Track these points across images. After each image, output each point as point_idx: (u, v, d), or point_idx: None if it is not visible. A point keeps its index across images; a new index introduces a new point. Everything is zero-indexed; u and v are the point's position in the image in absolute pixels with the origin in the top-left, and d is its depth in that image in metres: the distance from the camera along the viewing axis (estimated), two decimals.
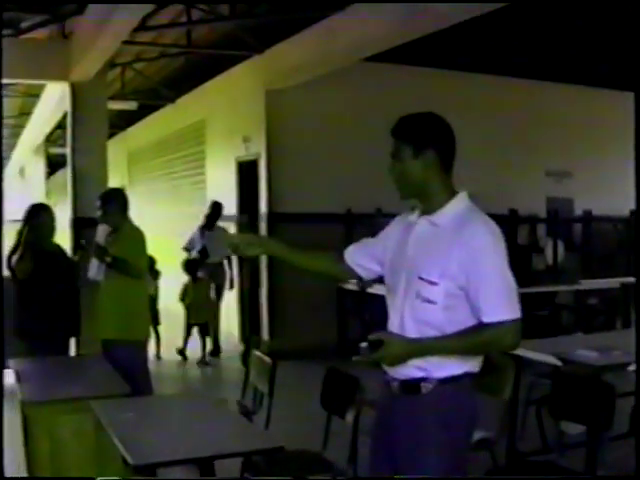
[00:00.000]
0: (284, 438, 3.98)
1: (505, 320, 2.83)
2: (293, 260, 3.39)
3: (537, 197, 12.42)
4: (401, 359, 2.93)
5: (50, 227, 6.65)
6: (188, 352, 10.56)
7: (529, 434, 5.89)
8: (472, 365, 2.97)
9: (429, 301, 2.89)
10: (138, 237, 6.12)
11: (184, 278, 10.64)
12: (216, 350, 10.78)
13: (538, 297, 10.08)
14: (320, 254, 3.45)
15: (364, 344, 2.92)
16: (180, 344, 10.58)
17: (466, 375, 2.95)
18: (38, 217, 6.62)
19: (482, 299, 2.84)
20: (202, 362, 10.30)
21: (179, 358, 10.52)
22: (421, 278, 2.91)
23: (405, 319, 2.98)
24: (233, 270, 11.17)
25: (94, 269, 6.10)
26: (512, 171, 12.05)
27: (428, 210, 3.02)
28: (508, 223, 10.31)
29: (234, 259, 11.20)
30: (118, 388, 4.66)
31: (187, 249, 10.89)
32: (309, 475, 4.44)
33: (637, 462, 3.77)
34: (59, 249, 6.87)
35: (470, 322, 2.88)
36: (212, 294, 10.68)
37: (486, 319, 2.84)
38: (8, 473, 5.81)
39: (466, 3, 6.66)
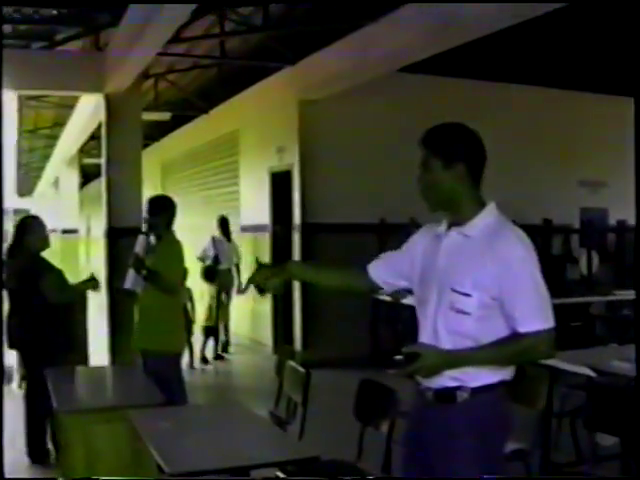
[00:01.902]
0: (318, 448, 3.99)
1: (540, 330, 2.83)
2: (315, 280, 3.50)
3: (571, 207, 12.35)
4: (437, 371, 2.93)
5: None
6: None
7: (563, 445, 5.86)
8: (506, 373, 2.97)
9: (463, 312, 2.89)
10: (176, 252, 6.08)
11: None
12: (226, 346, 11.90)
13: (572, 308, 10.01)
14: (343, 271, 3.46)
15: (399, 357, 2.92)
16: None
17: (501, 383, 2.95)
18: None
19: (517, 309, 2.84)
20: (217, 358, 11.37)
21: (214, 369, 10.62)
22: (454, 290, 2.92)
23: (439, 330, 2.98)
24: (241, 276, 11.68)
25: (131, 279, 6.11)
26: (546, 181, 11.99)
27: (457, 221, 3.02)
28: (542, 233, 10.27)
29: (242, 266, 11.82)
30: (154, 397, 4.69)
31: (201, 259, 11.48)
32: None
33: (636, 461, 3.75)
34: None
35: (503, 332, 2.89)
36: (224, 298, 11.51)
37: (522, 329, 2.84)
38: None
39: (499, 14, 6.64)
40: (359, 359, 9.62)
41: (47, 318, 6.35)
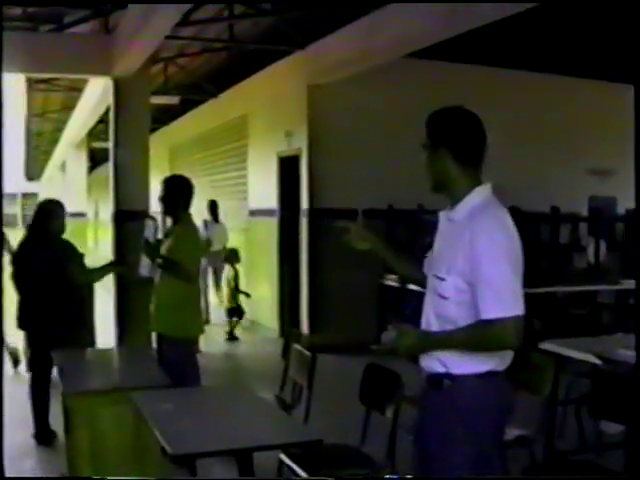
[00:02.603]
0: (322, 432, 3.99)
1: (502, 317, 2.81)
2: (392, 264, 3.49)
3: (580, 195, 12.30)
4: (414, 350, 3.02)
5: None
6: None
7: (568, 433, 5.87)
8: (495, 364, 2.97)
9: (442, 297, 2.96)
10: (193, 237, 5.99)
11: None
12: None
13: (579, 296, 10.00)
14: (412, 265, 3.47)
15: (384, 334, 3.06)
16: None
17: (490, 373, 2.95)
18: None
19: (480, 296, 2.85)
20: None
21: (220, 352, 10.64)
22: (434, 275, 3.01)
23: (430, 315, 3.06)
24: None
25: (145, 266, 5.96)
26: (555, 169, 11.94)
27: (451, 205, 3.07)
28: (549, 221, 10.23)
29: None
30: (158, 379, 4.70)
31: None
32: (347, 469, 4.45)
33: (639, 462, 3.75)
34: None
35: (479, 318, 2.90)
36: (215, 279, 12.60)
37: (483, 316, 2.84)
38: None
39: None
40: (366, 344, 9.59)
41: (68, 302, 6.54)
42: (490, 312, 2.81)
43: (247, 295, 11.99)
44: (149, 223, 5.99)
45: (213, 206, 12.86)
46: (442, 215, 3.12)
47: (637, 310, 3.80)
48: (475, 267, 2.83)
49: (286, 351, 5.83)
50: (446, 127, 3.03)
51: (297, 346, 5.53)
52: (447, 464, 2.95)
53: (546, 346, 5.44)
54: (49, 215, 6.74)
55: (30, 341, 7.11)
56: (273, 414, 4.03)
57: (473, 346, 2.92)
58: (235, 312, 11.81)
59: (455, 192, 3.03)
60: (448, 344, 2.95)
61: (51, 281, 6.48)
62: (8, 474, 5.87)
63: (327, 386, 7.26)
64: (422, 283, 3.23)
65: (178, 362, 5.67)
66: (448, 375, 2.96)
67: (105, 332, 9.58)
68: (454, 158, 3.00)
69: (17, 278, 6.60)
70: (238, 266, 11.83)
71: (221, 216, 13.23)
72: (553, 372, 4.60)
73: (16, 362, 9.23)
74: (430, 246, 3.25)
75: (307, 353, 5.27)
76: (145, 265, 5.94)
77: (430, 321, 3.04)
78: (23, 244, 6.71)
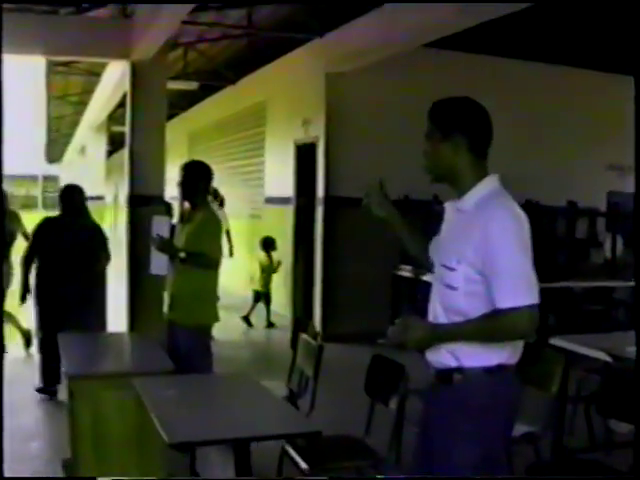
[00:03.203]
0: (328, 423, 3.95)
1: (518, 306, 2.78)
2: (405, 241, 3.44)
3: (599, 190, 12.19)
4: (424, 343, 2.95)
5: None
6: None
7: (578, 431, 5.79)
8: (506, 357, 2.93)
9: (451, 287, 2.91)
10: (215, 224, 5.85)
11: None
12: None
13: (595, 292, 9.91)
14: (422, 247, 3.39)
15: (391, 327, 2.95)
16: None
17: (500, 367, 2.91)
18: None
19: (495, 285, 2.81)
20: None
21: (232, 338, 10.64)
22: (443, 265, 2.96)
23: (437, 307, 3.01)
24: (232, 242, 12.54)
25: (158, 263, 5.73)
26: (574, 163, 11.82)
27: (458, 195, 3.04)
28: (566, 216, 10.14)
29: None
30: (161, 365, 4.67)
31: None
32: (349, 461, 4.42)
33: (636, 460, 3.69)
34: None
35: (491, 308, 2.86)
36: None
37: (499, 305, 2.81)
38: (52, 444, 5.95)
39: None
40: (378, 335, 9.56)
41: (85, 282, 7.10)
42: (506, 301, 2.78)
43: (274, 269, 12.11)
44: (160, 219, 5.84)
45: (215, 192, 12.78)
46: (449, 205, 3.10)
47: (637, 307, 3.74)
48: (488, 257, 2.80)
49: (295, 341, 5.79)
50: (463, 116, 2.99)
51: (304, 336, 5.49)
52: (454, 460, 2.91)
53: (557, 342, 5.38)
54: (83, 198, 7.38)
55: (41, 319, 7.36)
56: (275, 404, 3.99)
57: (488, 336, 2.89)
58: (263, 297, 12.00)
59: (462, 182, 3.00)
60: (461, 335, 2.89)
61: (74, 260, 6.95)
62: (16, 452, 5.93)
63: (335, 376, 7.24)
64: (430, 267, 3.23)
65: (193, 350, 5.64)
66: (459, 369, 2.91)
67: (118, 317, 9.60)
68: (469, 148, 2.97)
69: (40, 253, 7.14)
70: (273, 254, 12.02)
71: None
72: (562, 368, 4.54)
73: (28, 343, 9.26)
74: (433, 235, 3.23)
75: (314, 342, 5.24)
76: (161, 264, 5.70)
77: (437, 312, 2.99)
78: (50, 222, 7.33)
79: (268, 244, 11.96)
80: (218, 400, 4.01)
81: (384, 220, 3.41)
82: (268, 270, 11.98)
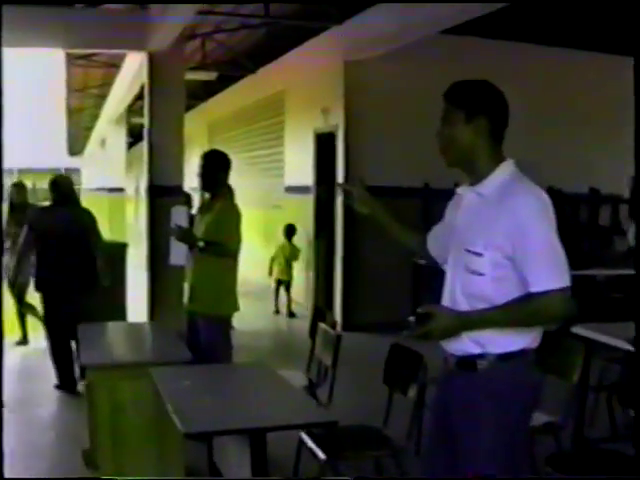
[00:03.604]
0: (346, 412, 3.93)
1: (552, 289, 2.75)
2: (392, 231, 3.40)
3: (622, 177, 12.03)
4: (450, 333, 2.88)
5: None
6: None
7: (599, 421, 5.73)
8: (529, 341, 2.89)
9: (477, 273, 2.85)
10: (234, 214, 5.81)
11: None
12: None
13: (618, 280, 9.80)
14: (415, 236, 3.41)
15: (413, 318, 2.88)
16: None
17: (523, 352, 2.88)
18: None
19: (528, 268, 2.77)
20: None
21: (251, 328, 10.65)
22: (467, 250, 2.87)
23: (456, 293, 2.94)
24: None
25: (177, 253, 5.72)
26: (595, 149, 11.68)
27: (474, 180, 2.98)
28: (588, 202, 10.04)
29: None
30: (179, 355, 4.66)
31: None
32: (368, 450, 4.39)
33: (636, 461, 3.64)
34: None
35: (519, 293, 2.82)
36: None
37: (533, 289, 2.77)
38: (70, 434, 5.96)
39: None
40: (399, 324, 9.53)
41: (83, 265, 7.30)
42: (539, 285, 2.75)
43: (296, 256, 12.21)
44: (179, 209, 5.84)
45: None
46: (465, 190, 3.02)
47: (637, 301, 3.69)
48: (520, 241, 2.76)
49: (314, 329, 5.76)
50: (487, 100, 2.94)
51: (323, 325, 5.47)
52: (480, 448, 2.87)
53: (578, 330, 5.31)
54: (72, 187, 7.80)
55: (45, 301, 7.54)
56: (292, 393, 3.95)
57: (522, 321, 2.85)
58: (284, 285, 12.10)
59: (480, 167, 2.95)
60: (491, 322, 2.84)
61: (69, 245, 7.21)
62: (36, 443, 5.95)
63: (355, 366, 7.23)
64: (428, 257, 3.25)
65: (214, 341, 5.66)
66: (482, 355, 2.86)
67: (138, 307, 9.63)
68: (490, 133, 2.92)
69: (37, 242, 7.38)
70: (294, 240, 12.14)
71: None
72: (583, 357, 4.47)
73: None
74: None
75: (332, 332, 5.21)
76: (180, 254, 5.70)
77: (457, 299, 2.93)
78: (43, 211, 7.67)
79: (291, 231, 12.07)
80: (235, 390, 3.99)
81: (368, 216, 3.40)
82: (291, 258, 12.08)
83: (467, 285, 2.90)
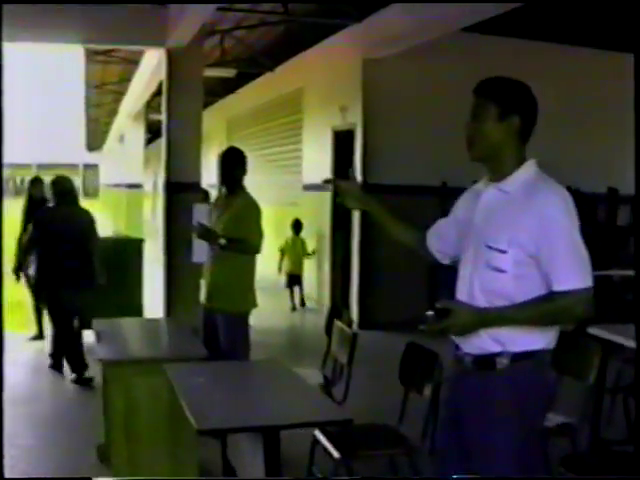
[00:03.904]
0: (361, 411, 3.92)
1: (576, 289, 2.77)
2: (387, 227, 3.36)
3: None
4: (468, 329, 2.87)
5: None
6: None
7: (616, 422, 5.70)
8: (548, 341, 2.89)
9: (499, 270, 2.83)
10: (255, 210, 5.88)
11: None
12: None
13: (634, 281, 9.73)
14: (412, 231, 3.39)
15: (431, 312, 2.86)
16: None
17: (542, 351, 2.87)
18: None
19: (554, 267, 2.78)
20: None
21: (266, 325, 10.65)
22: (489, 246, 2.85)
23: (474, 289, 2.92)
24: None
25: (199, 251, 5.78)
26: (613, 148, 11.60)
27: (496, 177, 2.96)
28: (607, 203, 9.98)
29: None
30: (194, 352, 4.67)
31: None
32: (382, 449, 4.38)
33: (636, 460, 3.61)
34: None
35: (540, 291, 2.82)
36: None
37: (557, 287, 2.77)
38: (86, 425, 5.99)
39: None
40: (415, 322, 9.50)
41: (83, 262, 7.53)
42: (564, 283, 2.77)
43: (313, 253, 12.61)
44: (200, 207, 5.91)
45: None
46: (486, 186, 3.01)
47: (636, 301, 3.66)
48: (546, 240, 2.77)
49: (330, 327, 5.76)
50: (522, 99, 2.93)
51: (339, 323, 5.46)
52: (494, 449, 2.86)
53: (595, 331, 5.28)
54: (74, 189, 7.98)
55: (48, 298, 7.77)
56: (307, 391, 3.94)
57: (543, 320, 2.86)
58: (296, 280, 12.51)
59: (505, 165, 2.93)
60: (513, 320, 2.83)
61: (68, 242, 7.44)
62: (52, 438, 5.98)
63: (371, 364, 7.22)
64: (427, 254, 3.28)
65: (234, 337, 5.71)
66: (502, 354, 2.85)
67: (155, 303, 9.65)
68: (520, 132, 2.91)
69: (42, 240, 7.58)
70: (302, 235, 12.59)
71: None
72: (600, 358, 4.45)
73: None
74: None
75: (348, 330, 5.20)
76: (202, 251, 5.75)
77: (475, 295, 2.90)
78: (49, 211, 7.84)
79: (298, 226, 12.59)
80: (249, 387, 4.00)
81: (364, 209, 3.39)
82: (302, 252, 12.53)
83: (487, 282, 2.88)
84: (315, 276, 12.58)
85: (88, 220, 7.76)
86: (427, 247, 3.32)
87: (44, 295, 7.82)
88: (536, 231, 2.77)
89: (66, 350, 7.68)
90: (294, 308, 12.38)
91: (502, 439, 2.85)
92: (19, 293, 8.76)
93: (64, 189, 7.74)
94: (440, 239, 3.26)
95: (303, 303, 12.49)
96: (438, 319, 2.84)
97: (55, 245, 7.48)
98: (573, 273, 2.78)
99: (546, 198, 2.80)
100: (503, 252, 2.82)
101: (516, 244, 2.80)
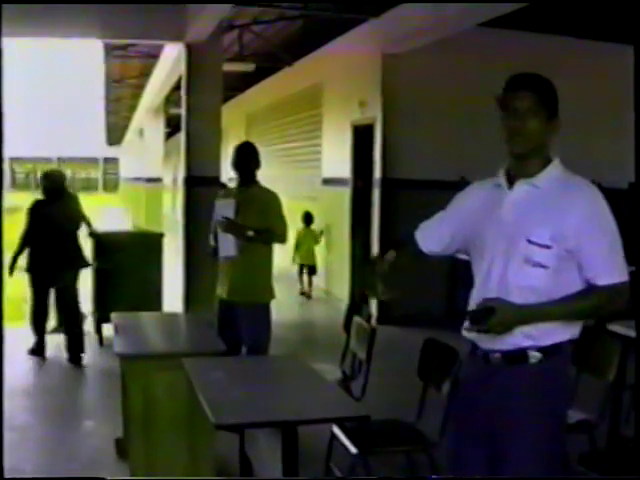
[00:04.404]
0: (380, 406, 3.90)
1: (619, 282, 2.82)
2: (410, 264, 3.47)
3: None
4: (512, 326, 2.85)
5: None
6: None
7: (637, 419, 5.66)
8: (575, 332, 2.93)
9: (540, 265, 2.84)
10: (277, 199, 5.97)
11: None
12: None
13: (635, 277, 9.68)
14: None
15: (473, 311, 2.88)
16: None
17: (569, 342, 2.91)
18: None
19: (594, 262, 2.83)
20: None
21: (284, 318, 10.66)
22: (531, 242, 2.84)
23: (509, 285, 2.89)
24: None
25: (226, 245, 5.79)
26: (633, 143, 11.51)
27: (523, 173, 2.94)
28: (628, 198, 9.89)
29: None
30: (212, 346, 4.67)
31: None
32: (400, 445, 4.38)
33: (636, 460, 3.58)
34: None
35: (576, 286, 2.85)
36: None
37: (601, 282, 2.82)
38: (106, 420, 6.01)
39: None
40: (435, 318, 9.51)
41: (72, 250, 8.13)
42: (609, 278, 2.82)
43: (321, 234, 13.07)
44: (223, 202, 5.93)
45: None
46: (503, 181, 2.99)
47: (636, 299, 3.64)
48: (587, 234, 2.81)
49: (348, 323, 5.75)
50: (557, 99, 2.94)
51: (358, 318, 5.45)
52: (526, 442, 2.86)
53: (615, 328, 5.25)
54: (60, 179, 8.43)
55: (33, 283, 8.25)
56: (325, 387, 3.93)
57: (585, 314, 2.92)
58: (309, 268, 13.07)
59: (538, 162, 2.93)
60: (555, 315, 2.85)
61: (57, 232, 7.93)
62: (71, 431, 6.01)
63: (390, 359, 7.21)
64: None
65: (259, 328, 5.83)
66: (533, 347, 2.85)
67: (174, 298, 9.67)
68: (555, 130, 2.94)
69: (35, 229, 8.04)
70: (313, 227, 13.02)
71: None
72: (619, 355, 4.42)
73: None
74: None
75: (367, 325, 5.19)
76: (229, 246, 5.77)
77: (510, 292, 2.86)
78: (41, 204, 8.20)
79: (309, 218, 13.09)
80: (267, 382, 3.98)
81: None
82: (314, 242, 13.04)
83: (525, 277, 2.86)
84: (325, 267, 13.06)
85: (76, 211, 8.32)
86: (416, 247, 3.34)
87: (30, 280, 8.22)
88: (579, 226, 2.80)
89: (66, 331, 8.16)
90: (303, 293, 13.01)
91: (534, 432, 2.86)
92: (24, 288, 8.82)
93: (54, 183, 8.23)
94: (438, 234, 3.28)
95: (309, 294, 12.97)
96: (483, 318, 2.83)
97: (45, 235, 7.96)
98: (614, 267, 2.84)
99: (587, 194, 2.86)
100: (547, 247, 2.82)
101: (559, 239, 2.81)
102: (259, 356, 5.31)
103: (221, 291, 5.99)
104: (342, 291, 11.96)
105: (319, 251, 13.20)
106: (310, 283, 13.05)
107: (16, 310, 9.77)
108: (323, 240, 13.04)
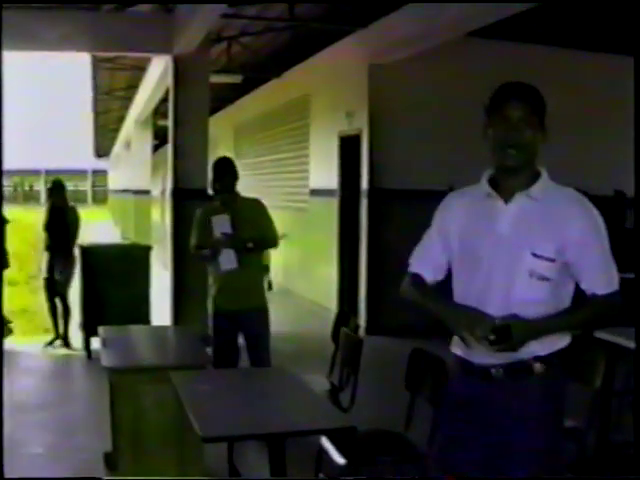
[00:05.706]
0: (368, 417, 3.90)
1: (614, 291, 2.87)
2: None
3: None
4: (525, 342, 2.81)
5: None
6: None
7: (626, 426, 5.67)
8: (568, 338, 2.95)
9: (544, 278, 2.84)
10: (262, 206, 6.19)
11: None
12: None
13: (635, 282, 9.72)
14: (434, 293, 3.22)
15: (489, 332, 2.76)
16: None
17: (565, 349, 2.93)
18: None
19: (593, 273, 2.87)
20: None
21: (276, 332, 10.65)
22: (536, 255, 2.83)
23: (512, 299, 2.85)
24: None
25: (227, 259, 5.87)
26: (618, 151, 11.55)
27: (513, 185, 2.89)
28: (614, 206, 9.95)
29: None
30: (200, 359, 4.68)
31: None
32: (388, 456, 4.38)
33: (636, 459, 3.60)
34: None
35: (568, 298, 2.90)
36: None
37: (600, 291, 2.85)
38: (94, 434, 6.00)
39: None
40: (423, 328, 9.48)
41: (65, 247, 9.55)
42: (608, 287, 2.87)
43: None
44: (220, 218, 5.94)
45: None
46: (517, 195, 2.89)
47: (637, 303, 3.66)
48: (586, 246, 2.84)
49: (336, 333, 5.76)
50: (546, 109, 2.91)
51: (345, 329, 5.46)
52: (533, 449, 2.87)
53: (601, 335, 5.27)
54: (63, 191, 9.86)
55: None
56: (312, 398, 3.95)
57: (588, 324, 3.06)
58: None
59: (528, 173, 2.90)
60: (560, 328, 2.88)
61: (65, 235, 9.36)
62: (60, 445, 5.99)
63: (379, 370, 7.22)
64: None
65: (266, 331, 6.07)
66: (536, 358, 2.85)
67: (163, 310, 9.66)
68: (545, 141, 2.91)
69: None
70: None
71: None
72: (605, 362, 4.44)
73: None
74: None
75: (355, 336, 5.20)
76: (229, 259, 5.85)
77: (512, 305, 2.82)
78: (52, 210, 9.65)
79: None
80: (255, 394, 3.99)
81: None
82: None
83: (529, 290, 2.84)
84: (282, 264, 13.92)
85: (73, 217, 9.59)
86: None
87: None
88: (579, 239, 2.82)
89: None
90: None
91: (541, 440, 2.88)
92: (34, 300, 8.81)
93: (61, 192, 9.80)
94: (432, 258, 3.13)
95: (270, 287, 12.90)
96: (498, 337, 2.75)
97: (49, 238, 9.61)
98: (611, 277, 2.89)
99: (583, 206, 2.88)
100: (551, 260, 2.83)
101: (562, 252, 2.83)
102: (247, 368, 5.34)
103: (221, 301, 6.03)
104: (330, 302, 11.95)
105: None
106: (268, 281, 13.03)
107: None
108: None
